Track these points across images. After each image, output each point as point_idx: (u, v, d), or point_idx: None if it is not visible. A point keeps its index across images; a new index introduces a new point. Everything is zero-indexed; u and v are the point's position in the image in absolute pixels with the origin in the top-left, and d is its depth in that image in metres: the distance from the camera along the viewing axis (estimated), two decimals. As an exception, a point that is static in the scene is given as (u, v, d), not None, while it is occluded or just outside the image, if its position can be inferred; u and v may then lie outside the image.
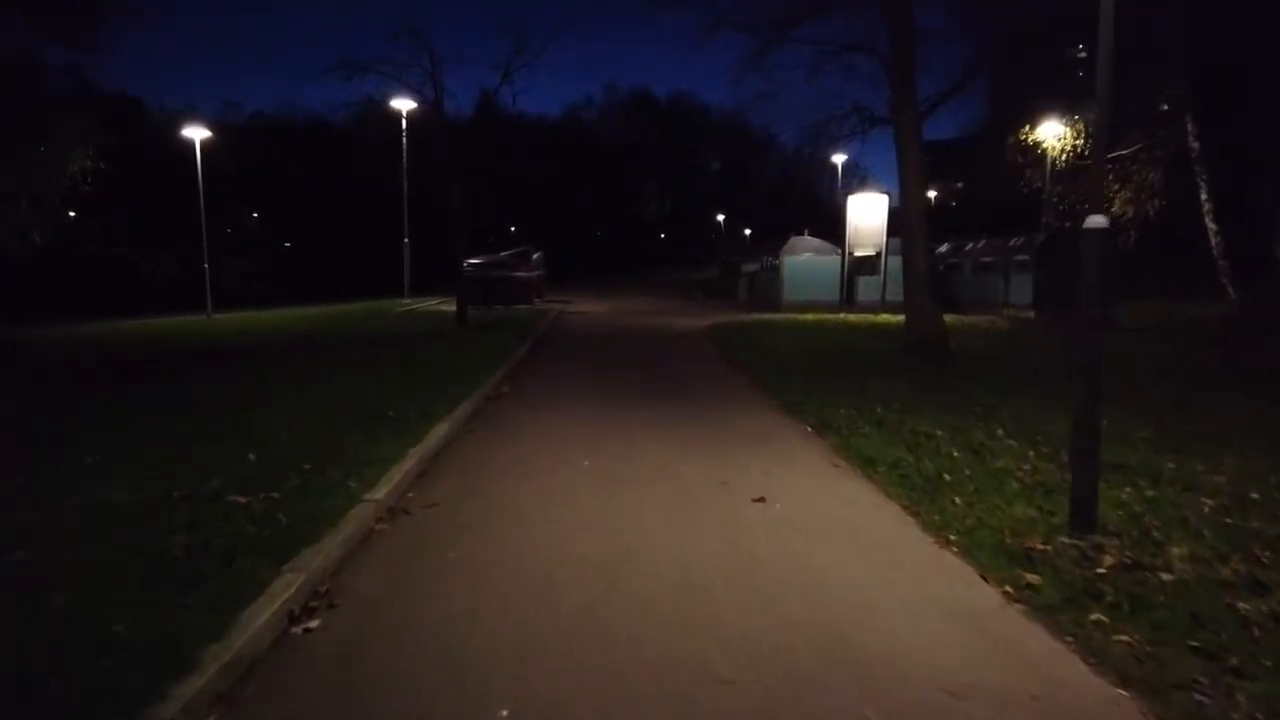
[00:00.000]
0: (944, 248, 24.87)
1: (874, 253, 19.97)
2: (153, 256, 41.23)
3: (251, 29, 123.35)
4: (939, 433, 6.66)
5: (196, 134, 24.33)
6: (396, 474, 5.13)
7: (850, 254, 20.13)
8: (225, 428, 6.36)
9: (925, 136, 11.50)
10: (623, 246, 76.51)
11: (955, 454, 5.97)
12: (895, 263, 21.16)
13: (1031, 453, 5.84)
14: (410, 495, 5.12)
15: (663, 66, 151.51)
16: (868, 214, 19.77)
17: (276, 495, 4.54)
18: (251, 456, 5.40)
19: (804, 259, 22.73)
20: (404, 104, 23.20)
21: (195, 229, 24.62)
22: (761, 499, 5.04)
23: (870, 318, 18.78)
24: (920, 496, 4.99)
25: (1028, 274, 20.29)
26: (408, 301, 25.31)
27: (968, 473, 5.41)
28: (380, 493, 4.73)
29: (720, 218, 74.91)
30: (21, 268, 23.01)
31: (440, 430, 6.52)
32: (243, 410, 7.08)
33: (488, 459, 6.14)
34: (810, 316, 19.07)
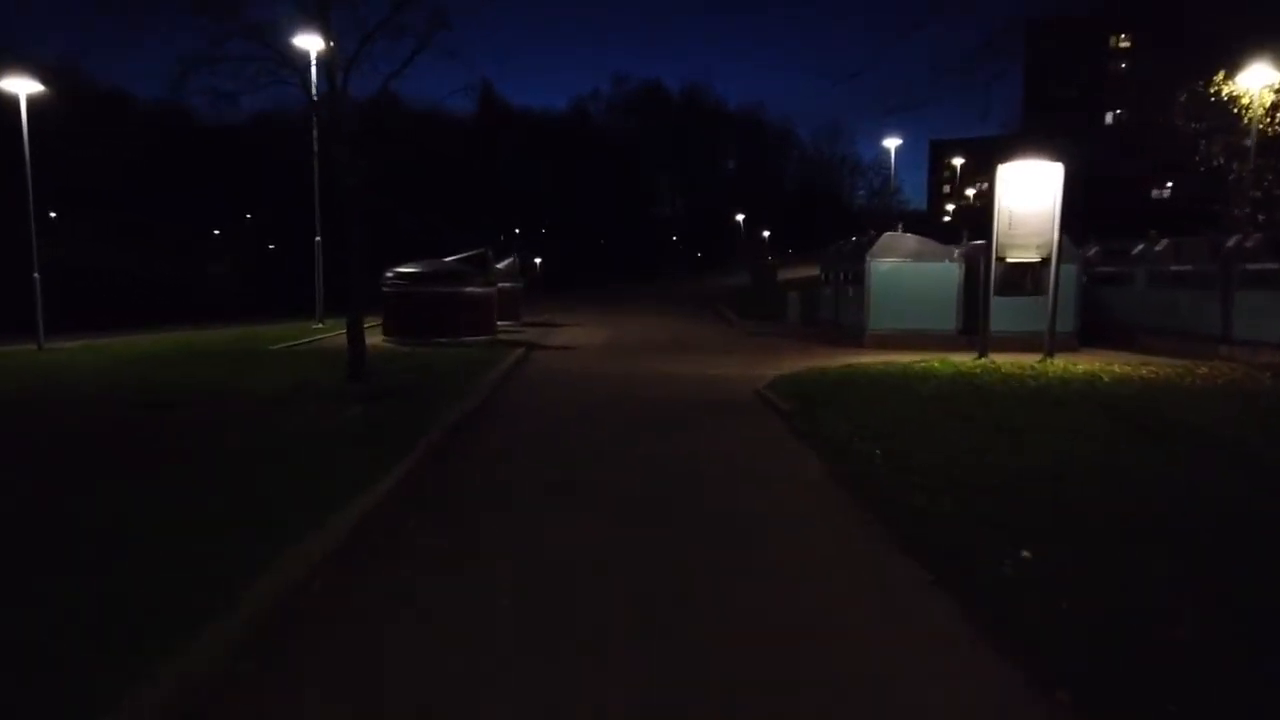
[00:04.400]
0: (1092, 250, 17.26)
1: (1038, 258, 12.17)
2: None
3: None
4: None
5: (21, 88, 17.01)
6: None
7: (1000, 260, 12.27)
8: None
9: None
10: (632, 249, 69.21)
11: None
12: (1068, 274, 13.73)
13: None
14: None
15: (676, 60, 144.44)
16: (1029, 194, 11.91)
17: None
18: None
19: (898, 265, 15.22)
20: (311, 42, 15.93)
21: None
22: None
23: (1040, 367, 11.10)
24: None
25: (1270, 291, 12.64)
26: (319, 325, 17.80)
27: None
28: None
29: (740, 218, 67.65)
30: None
31: None
32: None
33: None
34: (936, 363, 11.40)
